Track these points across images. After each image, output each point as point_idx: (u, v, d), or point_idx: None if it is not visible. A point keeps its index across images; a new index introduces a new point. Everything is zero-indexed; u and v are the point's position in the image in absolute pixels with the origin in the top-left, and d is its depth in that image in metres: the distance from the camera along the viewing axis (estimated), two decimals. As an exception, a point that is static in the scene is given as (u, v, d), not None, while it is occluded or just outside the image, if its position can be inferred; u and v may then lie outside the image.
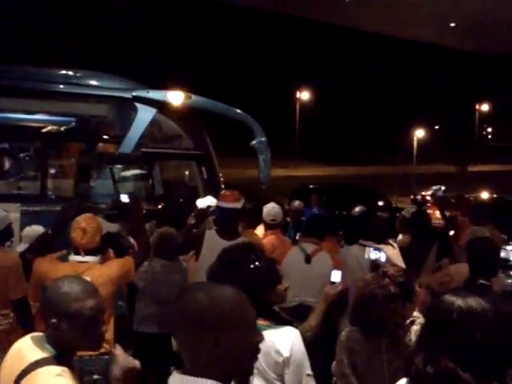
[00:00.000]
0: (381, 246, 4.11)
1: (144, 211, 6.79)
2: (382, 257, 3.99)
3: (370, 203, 16.75)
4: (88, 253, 4.55)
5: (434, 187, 10.23)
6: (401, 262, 3.82)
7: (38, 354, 2.44)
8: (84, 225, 4.52)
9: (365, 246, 4.63)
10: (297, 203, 7.56)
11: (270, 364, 3.01)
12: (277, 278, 3.20)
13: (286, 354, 2.98)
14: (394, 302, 3.24)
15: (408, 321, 3.36)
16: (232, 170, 25.73)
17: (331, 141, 50.18)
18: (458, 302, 2.33)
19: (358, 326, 3.33)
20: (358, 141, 51.60)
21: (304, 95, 52.18)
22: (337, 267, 4.59)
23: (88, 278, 4.43)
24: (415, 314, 3.44)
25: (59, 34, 44.45)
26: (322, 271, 4.75)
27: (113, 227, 5.95)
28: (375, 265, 4.02)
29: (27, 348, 2.49)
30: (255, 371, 3.08)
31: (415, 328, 3.34)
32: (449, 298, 2.38)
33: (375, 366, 3.30)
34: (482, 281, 3.86)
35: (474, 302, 2.33)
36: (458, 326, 2.30)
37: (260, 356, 3.05)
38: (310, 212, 8.82)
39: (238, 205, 5.16)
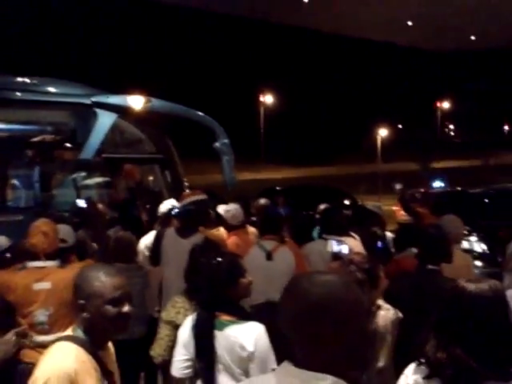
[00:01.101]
0: (342, 238, 4.15)
1: (107, 217, 6.80)
2: (344, 248, 4.04)
3: (335, 202, 16.90)
4: (48, 257, 4.50)
5: (396, 185, 10.36)
6: (363, 252, 3.86)
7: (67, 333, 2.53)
8: (44, 229, 4.49)
9: (327, 239, 4.66)
10: (262, 201, 7.56)
11: (234, 359, 3.02)
12: (239, 272, 3.23)
13: (250, 348, 3.00)
14: (360, 288, 3.28)
15: (374, 306, 3.41)
16: (198, 175, 25.67)
17: (296, 143, 50.45)
18: (470, 287, 2.33)
19: None
20: (323, 142, 52.00)
21: (268, 98, 52.32)
22: (299, 262, 4.63)
23: (48, 283, 4.40)
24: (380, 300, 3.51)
25: (15, 40, 43.91)
26: (284, 267, 4.79)
27: (75, 235, 5.90)
28: (337, 257, 4.06)
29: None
30: (220, 367, 3.09)
31: (382, 313, 3.39)
32: (462, 283, 2.38)
33: None
34: (430, 266, 3.93)
35: (486, 288, 2.32)
36: (467, 312, 2.30)
37: (224, 351, 3.07)
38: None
39: (195, 205, 5.23)
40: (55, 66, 26.51)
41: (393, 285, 4.09)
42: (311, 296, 1.66)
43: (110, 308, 2.46)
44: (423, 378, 2.31)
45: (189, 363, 3.23)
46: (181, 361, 3.26)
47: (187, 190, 7.95)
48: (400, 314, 3.46)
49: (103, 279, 2.50)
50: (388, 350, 3.33)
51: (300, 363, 1.67)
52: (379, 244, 4.75)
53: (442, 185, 23.09)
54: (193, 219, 5.26)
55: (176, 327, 3.47)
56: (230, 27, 52.85)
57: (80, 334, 2.47)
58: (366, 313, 1.74)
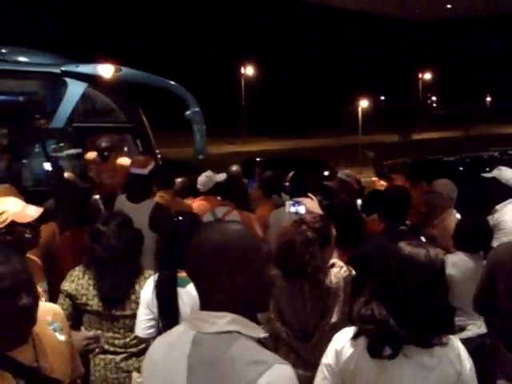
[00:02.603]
0: (300, 199, 4.22)
1: (78, 186, 6.79)
2: (301, 209, 4.10)
3: (315, 173, 17.01)
4: None
5: (369, 152, 10.41)
6: (320, 212, 3.94)
7: None
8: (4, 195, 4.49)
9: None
10: (234, 167, 7.59)
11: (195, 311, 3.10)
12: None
13: None
14: (312, 246, 3.35)
15: (328, 264, 3.48)
16: (172, 149, 25.58)
17: (278, 115, 50.35)
18: (407, 249, 2.34)
19: (281, 272, 3.43)
20: (305, 114, 51.94)
21: (248, 70, 52.03)
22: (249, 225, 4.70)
23: None
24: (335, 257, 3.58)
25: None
26: None
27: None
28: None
29: None
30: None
31: (335, 270, 3.46)
32: (401, 244, 2.38)
33: (298, 308, 3.41)
34: (402, 227, 4.02)
35: (423, 252, 2.31)
36: (396, 273, 2.31)
37: (188, 307, 3.12)
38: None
39: (145, 170, 5.28)
40: (25, 35, 26.10)
41: (360, 246, 4.18)
42: (208, 241, 1.79)
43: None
44: (350, 339, 2.36)
45: (152, 323, 3.30)
46: (144, 321, 3.32)
47: (160, 161, 7.98)
48: (353, 272, 3.52)
49: None
50: (340, 306, 3.40)
51: (203, 306, 1.81)
52: None
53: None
54: (140, 187, 5.36)
55: (68, 296, 3.54)
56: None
57: None
58: (261, 260, 1.83)
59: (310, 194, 4.35)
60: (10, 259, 2.08)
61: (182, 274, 3.18)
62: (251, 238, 1.86)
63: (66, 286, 3.57)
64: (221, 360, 1.67)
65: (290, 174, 7.35)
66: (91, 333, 3.35)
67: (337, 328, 3.36)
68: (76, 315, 3.54)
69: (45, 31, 40.49)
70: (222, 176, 6.35)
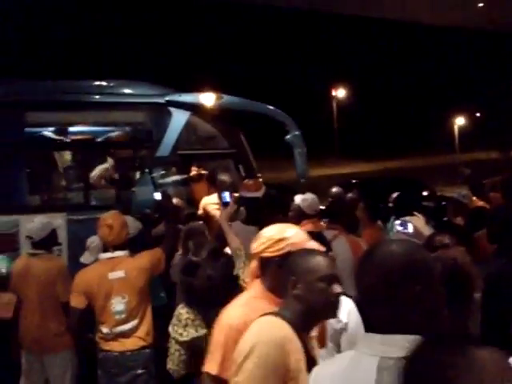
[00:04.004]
0: (407, 218, 4.13)
1: (184, 212, 6.97)
2: (409, 228, 4.02)
3: (414, 194, 16.63)
4: (116, 248, 4.68)
5: (464, 170, 10.00)
6: (427, 232, 3.84)
7: None
8: (110, 221, 4.67)
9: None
10: (335, 189, 7.53)
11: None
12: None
13: (344, 320, 3.13)
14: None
15: None
16: (272, 173, 25.73)
17: (370, 136, 49.76)
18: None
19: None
20: (399, 134, 51.08)
21: (340, 92, 51.89)
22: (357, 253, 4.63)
23: (122, 272, 4.58)
24: None
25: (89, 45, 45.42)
26: (341, 258, 4.76)
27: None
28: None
29: None
30: None
31: None
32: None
33: None
34: None
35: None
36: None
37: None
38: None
39: (259, 194, 5.25)
40: (126, 68, 27.20)
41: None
42: (394, 262, 1.70)
43: (322, 284, 2.43)
44: None
45: None
46: None
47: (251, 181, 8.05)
48: None
49: (318, 258, 2.51)
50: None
51: (385, 330, 1.68)
52: None
53: None
54: (255, 211, 5.32)
55: (183, 343, 3.38)
56: (303, 22, 52.63)
57: (287, 313, 2.43)
58: (438, 278, 1.76)
59: (416, 213, 4.27)
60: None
61: None
62: (427, 254, 1.82)
63: (179, 332, 3.44)
64: None
65: (394, 195, 7.25)
66: None
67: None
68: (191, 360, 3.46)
69: (147, 63, 42.11)
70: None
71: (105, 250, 4.76)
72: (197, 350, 3.40)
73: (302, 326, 2.42)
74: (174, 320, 3.52)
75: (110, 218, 4.75)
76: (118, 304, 4.56)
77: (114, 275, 4.59)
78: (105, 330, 4.57)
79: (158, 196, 6.78)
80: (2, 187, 7.45)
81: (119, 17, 49.07)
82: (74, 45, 45.60)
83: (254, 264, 2.92)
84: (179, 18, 50.67)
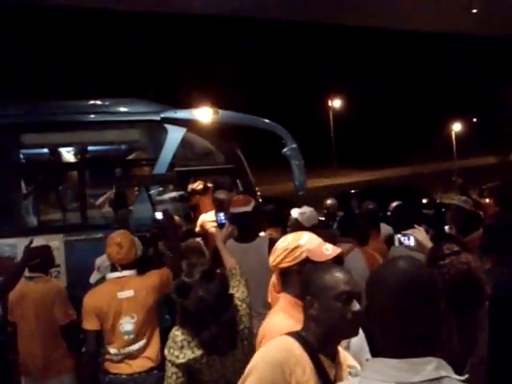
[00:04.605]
0: (408, 232, 4.06)
1: (183, 229, 6.93)
2: (411, 242, 3.96)
3: (413, 203, 16.59)
4: (125, 267, 4.62)
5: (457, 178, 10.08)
6: (430, 244, 3.78)
7: None
8: (119, 240, 4.62)
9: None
10: (330, 201, 7.49)
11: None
12: None
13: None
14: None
15: None
16: (270, 186, 25.75)
17: (367, 146, 49.80)
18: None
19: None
20: (395, 142, 51.14)
21: (336, 103, 51.98)
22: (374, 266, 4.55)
23: (131, 292, 4.52)
24: None
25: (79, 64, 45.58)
26: (358, 272, 4.68)
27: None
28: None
29: None
30: None
31: None
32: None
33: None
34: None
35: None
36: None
37: None
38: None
39: (248, 208, 5.16)
40: (122, 86, 27.26)
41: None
42: (406, 279, 1.65)
43: (339, 303, 2.36)
44: None
45: None
46: None
47: (260, 200, 7.99)
48: None
49: (333, 274, 2.43)
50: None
51: (398, 354, 1.62)
52: None
53: None
54: (246, 226, 5.15)
55: (179, 365, 3.30)
56: (299, 32, 52.79)
57: (305, 334, 2.39)
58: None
59: (416, 226, 4.20)
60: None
61: None
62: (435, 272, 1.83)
63: (176, 354, 3.33)
64: None
65: (393, 205, 7.20)
66: None
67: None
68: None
69: (141, 81, 42.21)
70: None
71: (112, 270, 4.69)
72: (194, 371, 3.33)
73: (319, 347, 2.37)
74: (169, 342, 3.40)
75: (118, 236, 4.71)
76: (126, 324, 4.49)
77: (123, 294, 4.52)
78: (113, 350, 4.49)
79: (156, 214, 6.72)
80: (-1, 210, 7.42)
81: (114, 35, 49.23)
82: (68, 64, 45.72)
83: (275, 277, 2.96)
84: (172, 34, 50.82)
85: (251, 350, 3.50)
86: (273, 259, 2.94)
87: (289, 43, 55.15)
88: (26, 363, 5.34)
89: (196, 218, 7.91)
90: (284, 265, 2.87)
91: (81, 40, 47.05)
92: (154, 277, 4.70)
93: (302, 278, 2.66)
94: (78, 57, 46.29)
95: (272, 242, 5.15)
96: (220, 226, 4.40)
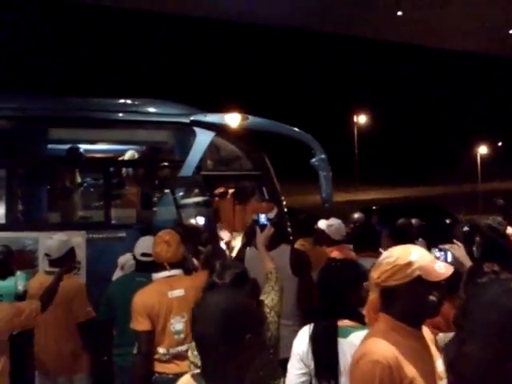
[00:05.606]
0: (446, 247, 3.94)
1: (206, 233, 6.84)
2: (449, 257, 3.85)
3: (435, 221, 16.40)
4: (173, 266, 4.57)
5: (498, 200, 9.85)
6: (467, 261, 3.66)
7: None
8: (167, 238, 4.59)
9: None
10: (357, 215, 7.37)
11: None
12: (363, 276, 3.11)
13: None
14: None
15: None
16: (297, 196, 25.62)
17: (391, 163, 49.53)
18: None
19: None
20: (419, 161, 50.82)
21: (361, 118, 51.77)
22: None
23: (181, 291, 4.44)
24: None
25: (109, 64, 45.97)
26: None
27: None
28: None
29: None
30: (343, 379, 2.93)
31: None
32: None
33: None
34: None
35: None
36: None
37: (350, 359, 2.92)
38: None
39: (271, 215, 5.18)
40: (152, 87, 27.36)
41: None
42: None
43: None
44: None
45: (305, 378, 3.08)
46: (297, 375, 3.10)
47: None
48: None
49: None
50: None
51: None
52: None
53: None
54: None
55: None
56: (327, 46, 52.80)
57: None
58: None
59: (456, 241, 4.08)
60: None
61: (344, 323, 3.04)
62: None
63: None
64: None
65: (413, 221, 7.08)
66: None
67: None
68: None
69: (173, 82, 42.46)
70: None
71: (159, 270, 4.60)
72: None
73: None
74: (193, 344, 3.32)
75: (167, 234, 4.67)
76: (177, 323, 4.43)
77: (174, 294, 4.47)
78: (162, 350, 4.42)
79: (181, 218, 6.67)
80: (23, 204, 7.40)
81: (146, 37, 49.64)
82: (101, 63, 46.17)
83: (374, 295, 2.65)
84: (205, 39, 51.12)
85: (275, 359, 3.41)
86: (377, 275, 2.63)
87: (319, 56, 55.22)
88: (39, 357, 5.29)
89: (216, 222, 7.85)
90: (391, 283, 2.57)
91: (114, 40, 47.60)
92: (202, 277, 4.62)
93: (412, 299, 2.51)
94: (111, 56, 46.77)
95: (296, 254, 5.10)
96: (261, 227, 4.33)
